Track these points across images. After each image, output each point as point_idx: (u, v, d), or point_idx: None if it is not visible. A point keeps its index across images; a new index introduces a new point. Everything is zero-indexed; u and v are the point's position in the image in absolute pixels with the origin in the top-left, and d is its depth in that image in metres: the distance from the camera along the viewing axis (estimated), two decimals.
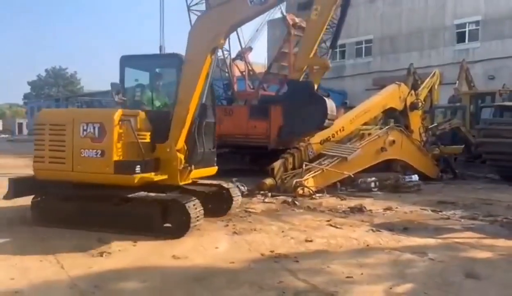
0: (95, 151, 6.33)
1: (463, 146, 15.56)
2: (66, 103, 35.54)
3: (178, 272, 4.90)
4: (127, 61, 7.52)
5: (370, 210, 8.43)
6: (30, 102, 68.16)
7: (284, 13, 18.03)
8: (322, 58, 8.85)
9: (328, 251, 5.79)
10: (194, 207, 6.27)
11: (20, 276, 4.70)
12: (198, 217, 6.30)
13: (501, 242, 6.22)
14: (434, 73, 16.81)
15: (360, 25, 32.27)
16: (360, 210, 8.41)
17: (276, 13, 23.12)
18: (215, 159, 7.63)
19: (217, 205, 7.62)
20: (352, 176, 10.78)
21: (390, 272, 4.93)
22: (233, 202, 7.73)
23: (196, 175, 7.14)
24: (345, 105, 23.05)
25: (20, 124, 70.64)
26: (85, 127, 6.39)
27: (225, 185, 7.82)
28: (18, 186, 7.07)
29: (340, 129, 12.20)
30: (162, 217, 6.37)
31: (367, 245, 6.05)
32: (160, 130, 6.68)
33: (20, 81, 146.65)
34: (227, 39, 17.68)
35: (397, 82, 13.86)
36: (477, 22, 27.03)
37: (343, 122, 12.57)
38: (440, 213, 8.34)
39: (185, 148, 6.73)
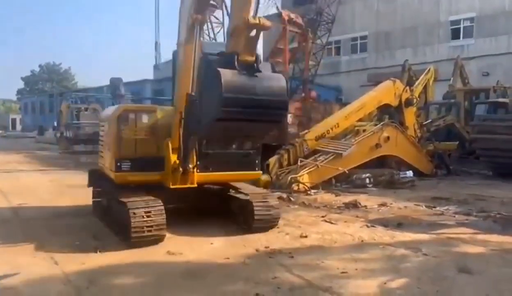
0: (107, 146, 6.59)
1: (457, 142, 15.63)
2: (60, 98, 35.28)
3: (173, 267, 4.89)
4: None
5: (365, 206, 8.46)
6: (24, 98, 67.67)
7: (279, 9, 18.00)
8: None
9: (323, 246, 5.81)
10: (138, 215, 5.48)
11: (14, 272, 4.67)
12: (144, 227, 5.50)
13: (494, 238, 6.26)
14: (429, 70, 16.84)
15: (356, 21, 32.28)
16: (355, 205, 8.44)
17: (271, 8, 23.14)
18: (257, 161, 6.69)
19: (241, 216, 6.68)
20: (347, 172, 10.82)
21: (384, 267, 4.96)
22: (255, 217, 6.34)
23: (210, 178, 6.43)
24: (340, 102, 23.11)
25: (14, 120, 70.20)
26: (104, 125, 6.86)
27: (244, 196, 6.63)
28: (91, 177, 7.52)
29: (335, 126, 12.21)
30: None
31: (362, 241, 6.07)
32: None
33: (13, 77, 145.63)
34: (223, 33, 17.69)
35: (392, 78, 13.88)
36: (471, 19, 27.10)
37: (338, 118, 12.59)
38: (434, 208, 8.38)
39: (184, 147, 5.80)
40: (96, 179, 7.30)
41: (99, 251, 5.37)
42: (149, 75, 40.78)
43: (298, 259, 5.19)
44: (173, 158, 5.88)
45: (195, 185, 6.10)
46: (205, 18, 6.15)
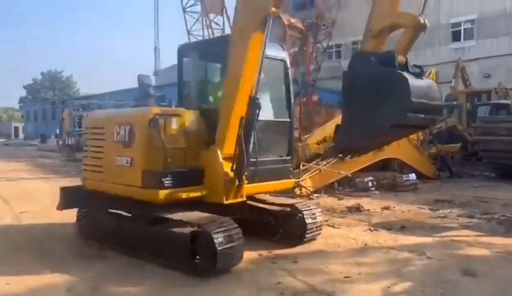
0: (125, 158, 5.28)
1: (459, 144, 15.58)
2: (62, 106, 35.41)
3: (177, 273, 4.88)
4: (185, 51, 6.38)
5: (368, 210, 8.44)
6: (26, 106, 67.96)
7: (280, 14, 18.05)
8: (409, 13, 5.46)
9: (326, 251, 5.79)
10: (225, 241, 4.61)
11: (16, 280, 4.67)
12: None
13: (498, 240, 6.24)
14: (430, 72, 16.83)
15: (355, 25, 32.24)
16: (357, 209, 8.42)
17: None
18: (291, 169, 6.26)
19: (288, 230, 5.97)
20: (350, 175, 10.79)
21: (388, 271, 4.94)
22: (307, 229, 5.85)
23: (256, 190, 5.74)
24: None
25: (16, 128, 70.50)
26: (118, 131, 5.38)
27: (299, 205, 6.10)
28: (68, 196, 6.25)
29: (329, 136, 12.17)
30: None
31: (365, 245, 6.05)
32: (212, 132, 5.34)
33: (16, 85, 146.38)
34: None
35: None
36: (472, 21, 27.10)
37: (340, 122, 12.53)
38: (437, 211, 8.35)
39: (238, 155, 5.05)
40: (82, 198, 6.11)
41: (102, 258, 5.35)
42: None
43: (301, 264, 5.17)
44: (226, 168, 5.09)
45: (245, 199, 5.40)
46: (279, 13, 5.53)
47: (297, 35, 18.09)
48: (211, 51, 6.40)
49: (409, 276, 4.76)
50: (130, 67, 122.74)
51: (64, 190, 6.29)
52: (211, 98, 6.28)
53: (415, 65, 5.15)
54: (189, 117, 5.40)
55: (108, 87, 63.71)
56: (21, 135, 64.28)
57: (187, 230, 4.96)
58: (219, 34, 17.77)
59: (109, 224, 5.87)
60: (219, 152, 5.16)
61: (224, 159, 5.13)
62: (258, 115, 4.94)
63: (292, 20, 17.90)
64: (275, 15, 5.11)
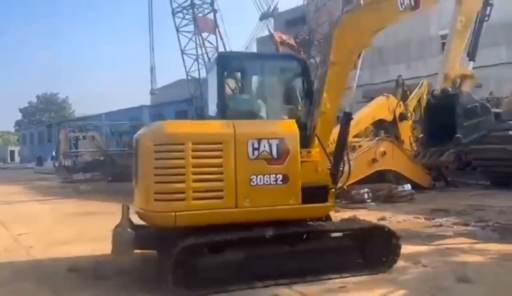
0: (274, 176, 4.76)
1: (454, 154, 15.71)
2: (58, 128, 35.55)
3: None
4: (227, 62, 6.08)
5: None
6: (22, 129, 67.98)
7: (272, 31, 18.35)
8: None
9: None
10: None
11: None
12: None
13: (492, 246, 6.31)
14: (422, 84, 17.07)
15: None
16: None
17: (263, 31, 23.50)
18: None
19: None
20: (345, 187, 10.84)
21: (384, 279, 4.98)
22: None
23: None
24: (336, 118, 23.22)
25: (12, 152, 70.44)
26: (256, 145, 4.74)
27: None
28: (138, 237, 4.79)
29: (331, 143, 12.28)
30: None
31: None
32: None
33: (11, 108, 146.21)
34: None
35: (385, 94, 14.07)
36: None
37: (333, 135, 12.64)
38: (433, 220, 8.44)
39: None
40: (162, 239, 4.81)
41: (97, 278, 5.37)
42: (145, 101, 41.25)
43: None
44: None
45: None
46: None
47: (290, 51, 18.35)
48: (257, 65, 6.38)
49: (405, 284, 4.82)
50: (125, 86, 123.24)
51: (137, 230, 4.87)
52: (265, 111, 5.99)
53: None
54: None
55: (103, 108, 63.81)
56: (17, 158, 64.21)
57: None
58: (212, 53, 18.00)
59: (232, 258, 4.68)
60: (323, 163, 5.42)
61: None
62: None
63: (284, 37, 18.20)
64: (370, 47, 6.02)
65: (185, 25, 18.21)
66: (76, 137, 26.38)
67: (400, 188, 11.71)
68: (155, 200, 4.55)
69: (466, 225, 7.89)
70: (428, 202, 10.84)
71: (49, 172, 28.11)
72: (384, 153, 12.00)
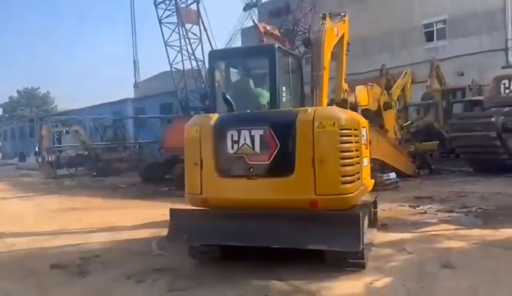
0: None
1: (437, 142, 15.93)
2: (41, 123, 34.96)
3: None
4: (218, 57, 6.53)
5: None
6: (3, 125, 66.70)
7: (256, 21, 18.21)
8: None
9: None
10: None
11: None
12: None
13: (475, 232, 6.41)
14: (406, 73, 17.20)
15: None
16: None
17: (247, 22, 23.37)
18: None
19: None
20: None
21: (370, 267, 5.02)
22: None
23: None
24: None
25: None
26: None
27: None
28: None
29: None
30: None
31: None
32: None
33: None
34: (201, 49, 17.87)
35: (369, 84, 14.12)
36: (443, 21, 27.77)
37: None
38: (417, 208, 8.54)
39: None
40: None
41: (83, 275, 5.32)
42: (129, 94, 40.77)
43: (286, 265, 5.22)
44: None
45: None
46: None
47: (274, 41, 18.26)
48: (244, 59, 6.74)
49: (391, 272, 4.87)
50: (107, 80, 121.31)
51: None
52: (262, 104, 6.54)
53: None
54: None
55: (87, 102, 62.88)
56: None
57: None
58: (195, 44, 17.81)
59: None
60: None
61: None
62: None
63: (268, 27, 18.07)
64: None
65: (168, 16, 17.94)
66: (59, 132, 25.99)
67: (385, 176, 11.80)
68: (343, 183, 4.66)
69: (450, 211, 8.00)
70: (412, 189, 10.96)
71: (32, 168, 27.67)
72: (369, 142, 12.04)
